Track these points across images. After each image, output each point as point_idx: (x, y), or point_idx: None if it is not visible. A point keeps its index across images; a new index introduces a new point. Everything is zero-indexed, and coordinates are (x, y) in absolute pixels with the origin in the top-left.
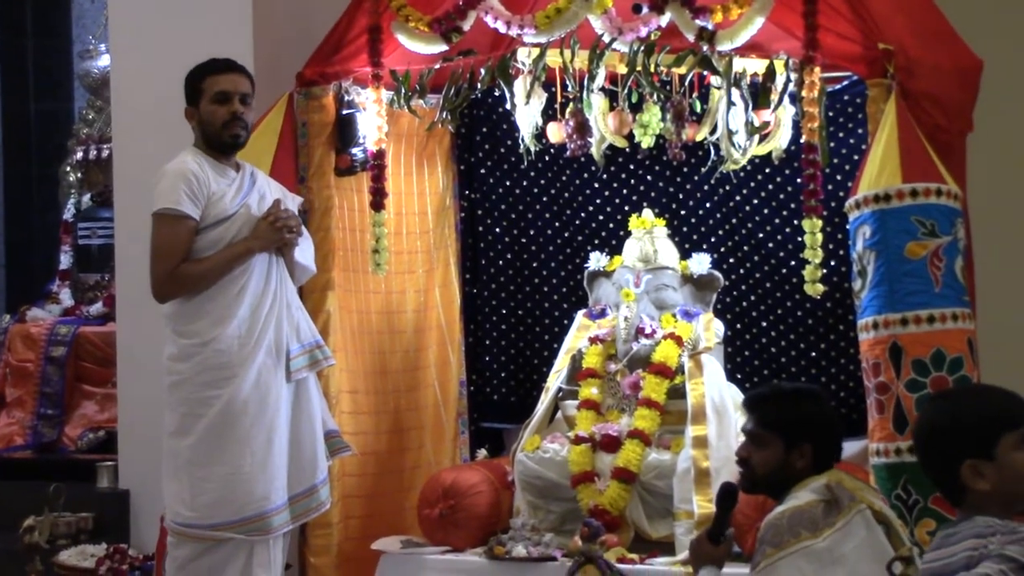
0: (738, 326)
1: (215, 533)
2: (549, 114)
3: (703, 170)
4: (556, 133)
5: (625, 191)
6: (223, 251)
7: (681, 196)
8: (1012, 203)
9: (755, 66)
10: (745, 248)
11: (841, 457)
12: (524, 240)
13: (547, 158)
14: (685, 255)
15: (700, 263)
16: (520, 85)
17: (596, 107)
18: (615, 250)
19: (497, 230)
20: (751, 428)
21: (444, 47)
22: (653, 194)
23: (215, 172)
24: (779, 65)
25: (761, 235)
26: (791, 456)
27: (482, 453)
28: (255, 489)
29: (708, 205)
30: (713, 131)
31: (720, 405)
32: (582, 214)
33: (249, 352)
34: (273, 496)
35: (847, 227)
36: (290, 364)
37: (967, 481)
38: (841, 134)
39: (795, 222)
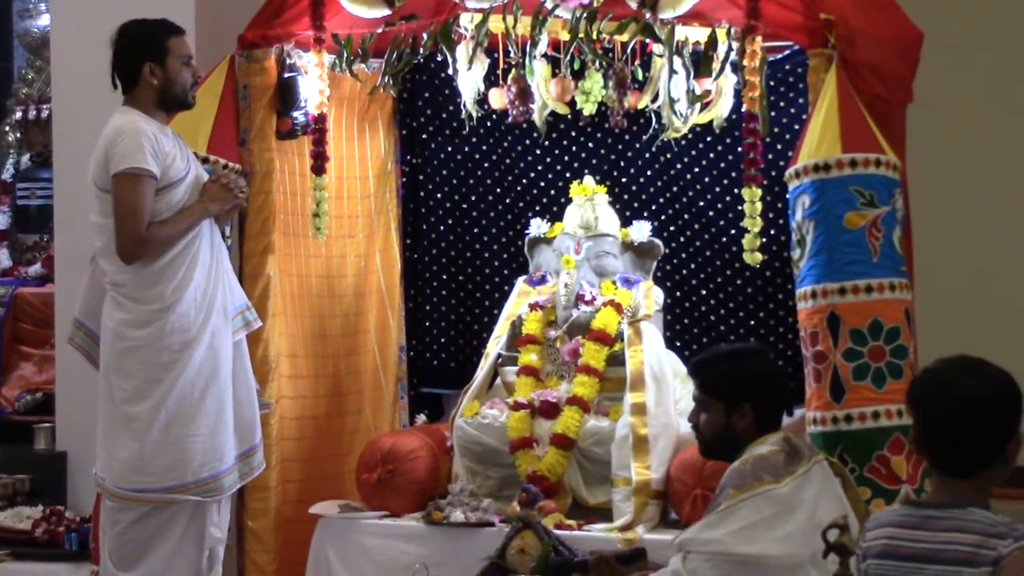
0: (678, 294)
1: (172, 496)
2: (491, 80)
3: (644, 138)
4: (498, 99)
5: (566, 158)
6: (182, 214)
7: (622, 163)
8: (950, 174)
9: (697, 34)
10: (685, 216)
11: (791, 412)
12: (465, 205)
13: (489, 124)
14: (626, 222)
15: (640, 230)
16: (462, 50)
17: (538, 73)
18: (556, 216)
19: (438, 195)
20: (695, 393)
21: (387, 11)
22: (594, 161)
23: (161, 134)
24: (721, 34)
25: (701, 203)
26: (732, 417)
27: (421, 418)
28: (210, 450)
29: (649, 173)
30: (655, 99)
31: (659, 372)
32: (523, 180)
33: (205, 316)
34: (226, 457)
35: (787, 196)
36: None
37: (1011, 458)
38: (782, 103)
39: (735, 191)
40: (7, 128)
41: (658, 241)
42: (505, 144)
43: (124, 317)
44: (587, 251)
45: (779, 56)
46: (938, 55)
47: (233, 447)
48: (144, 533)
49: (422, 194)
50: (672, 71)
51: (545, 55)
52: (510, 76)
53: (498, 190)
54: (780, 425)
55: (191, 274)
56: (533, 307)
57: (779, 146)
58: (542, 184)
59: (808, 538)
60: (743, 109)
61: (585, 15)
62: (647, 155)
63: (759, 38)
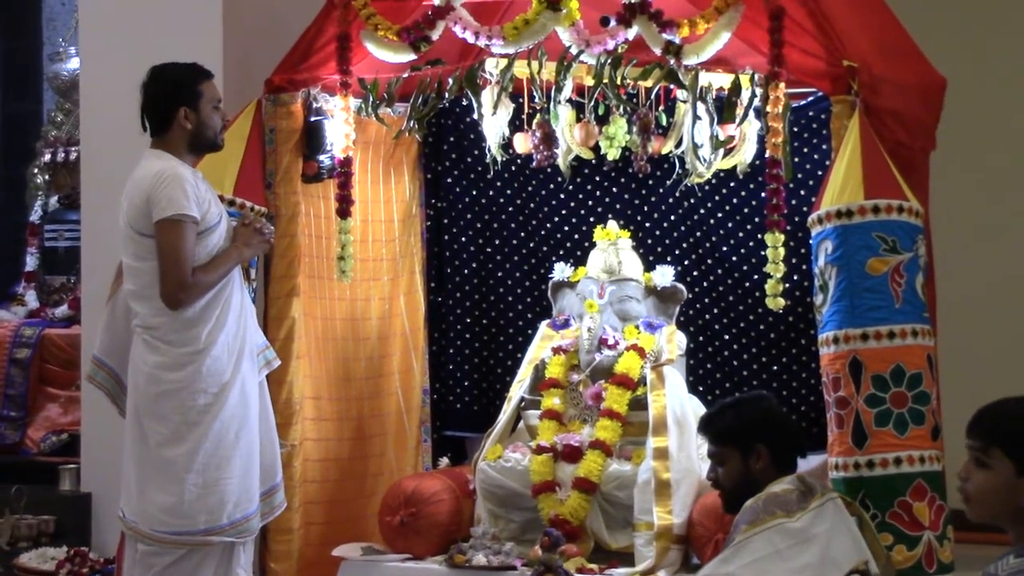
0: (700, 339)
1: (208, 538)
2: (516, 124)
3: (668, 183)
4: (523, 144)
5: (590, 202)
6: (221, 259)
7: (646, 208)
8: (973, 221)
9: (721, 80)
10: (708, 261)
11: (804, 454)
12: (489, 249)
13: (513, 168)
14: (649, 267)
15: (664, 275)
16: (487, 95)
17: (563, 118)
18: (580, 261)
19: (463, 239)
20: (710, 449)
21: (412, 56)
22: (618, 206)
23: (196, 178)
24: (744, 80)
25: (724, 248)
26: (749, 461)
27: (444, 461)
28: (243, 491)
29: (672, 218)
30: (679, 144)
31: (681, 417)
32: (547, 225)
33: (237, 359)
34: (254, 497)
35: (809, 242)
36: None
37: None
38: (805, 149)
39: (758, 236)
40: (35, 170)
41: (681, 286)
42: (529, 188)
43: (159, 360)
44: (610, 295)
45: (802, 102)
46: (962, 102)
47: (258, 487)
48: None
49: (447, 238)
50: (696, 117)
51: (570, 100)
52: (535, 121)
53: (522, 234)
54: (796, 467)
55: (224, 318)
56: (556, 351)
57: (802, 192)
58: (566, 228)
59: (822, 571)
60: (766, 155)
61: (609, 61)
62: (671, 200)
63: (782, 84)
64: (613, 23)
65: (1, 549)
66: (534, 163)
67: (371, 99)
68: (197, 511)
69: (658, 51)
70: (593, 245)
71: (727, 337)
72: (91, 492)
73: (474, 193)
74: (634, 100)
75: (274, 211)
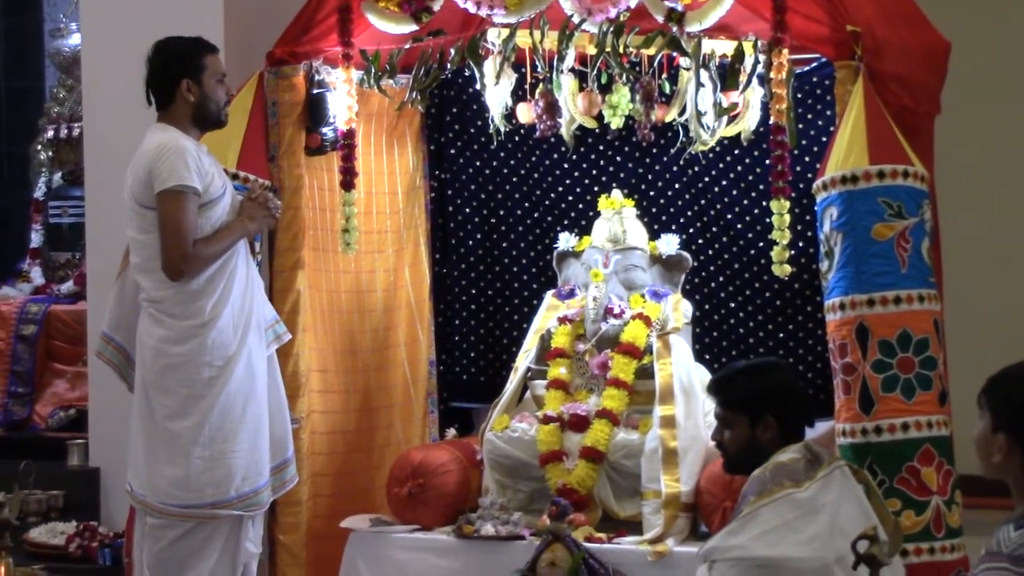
0: (706, 307)
1: (216, 511)
2: (519, 95)
3: (672, 151)
4: (526, 114)
5: (594, 172)
6: (224, 232)
7: (650, 177)
8: (979, 185)
9: (724, 47)
10: (713, 229)
11: (813, 423)
12: (494, 220)
13: (517, 138)
14: (654, 236)
15: (669, 244)
16: (490, 66)
17: (566, 88)
18: (584, 230)
19: (467, 210)
20: (718, 411)
21: (414, 27)
22: (622, 175)
23: (200, 151)
24: (748, 47)
25: (729, 216)
26: (756, 430)
27: (451, 432)
28: (251, 465)
29: (677, 186)
30: (682, 112)
31: (688, 385)
32: (551, 194)
33: (243, 332)
34: (264, 471)
35: (815, 208)
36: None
37: None
38: (809, 116)
39: (763, 203)
40: (39, 147)
41: (686, 254)
42: (533, 158)
43: (164, 334)
44: (615, 264)
45: (806, 68)
46: (967, 66)
47: (268, 461)
48: (186, 550)
49: (451, 209)
50: (699, 84)
51: (572, 69)
52: (537, 91)
53: (526, 204)
54: (803, 436)
55: (229, 290)
56: (562, 321)
57: (807, 158)
58: (570, 198)
59: (831, 541)
60: (770, 122)
61: (612, 29)
62: (675, 168)
63: (786, 51)
64: None
65: (11, 524)
66: (537, 133)
67: (373, 71)
68: (204, 484)
69: (660, 18)
70: (597, 214)
71: (733, 305)
72: (99, 467)
73: (478, 164)
74: (637, 68)
75: (278, 184)
